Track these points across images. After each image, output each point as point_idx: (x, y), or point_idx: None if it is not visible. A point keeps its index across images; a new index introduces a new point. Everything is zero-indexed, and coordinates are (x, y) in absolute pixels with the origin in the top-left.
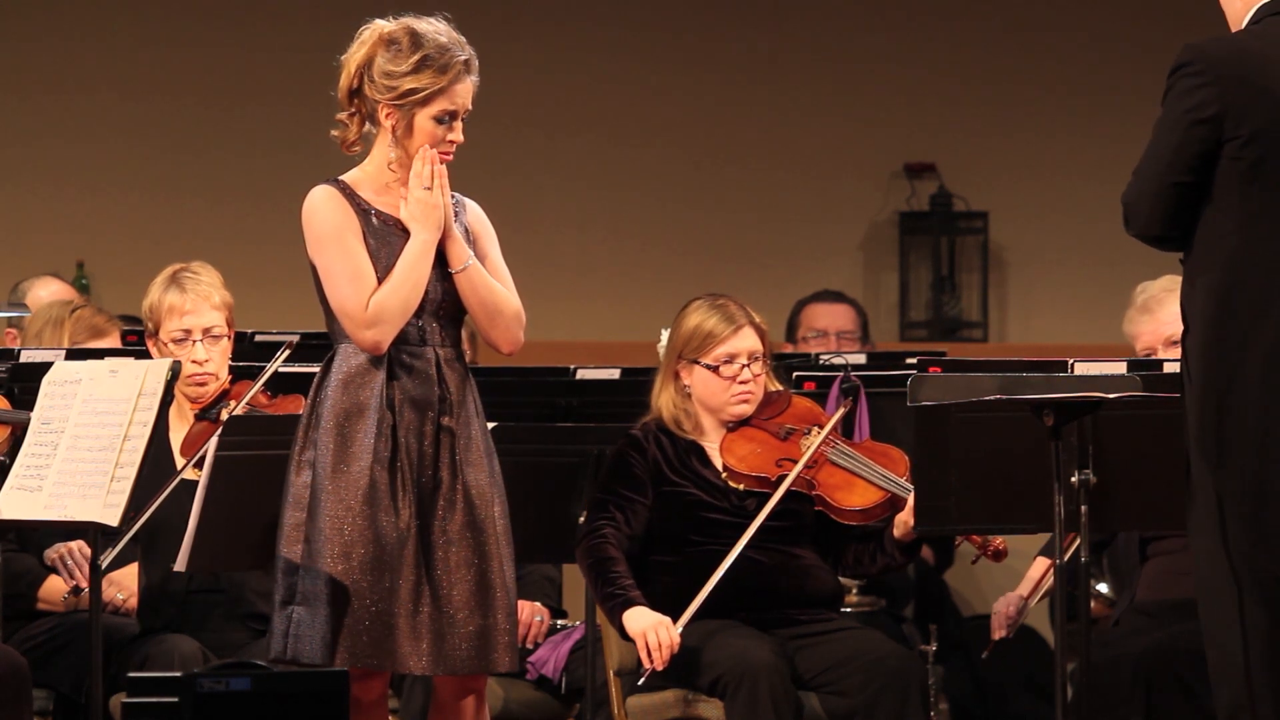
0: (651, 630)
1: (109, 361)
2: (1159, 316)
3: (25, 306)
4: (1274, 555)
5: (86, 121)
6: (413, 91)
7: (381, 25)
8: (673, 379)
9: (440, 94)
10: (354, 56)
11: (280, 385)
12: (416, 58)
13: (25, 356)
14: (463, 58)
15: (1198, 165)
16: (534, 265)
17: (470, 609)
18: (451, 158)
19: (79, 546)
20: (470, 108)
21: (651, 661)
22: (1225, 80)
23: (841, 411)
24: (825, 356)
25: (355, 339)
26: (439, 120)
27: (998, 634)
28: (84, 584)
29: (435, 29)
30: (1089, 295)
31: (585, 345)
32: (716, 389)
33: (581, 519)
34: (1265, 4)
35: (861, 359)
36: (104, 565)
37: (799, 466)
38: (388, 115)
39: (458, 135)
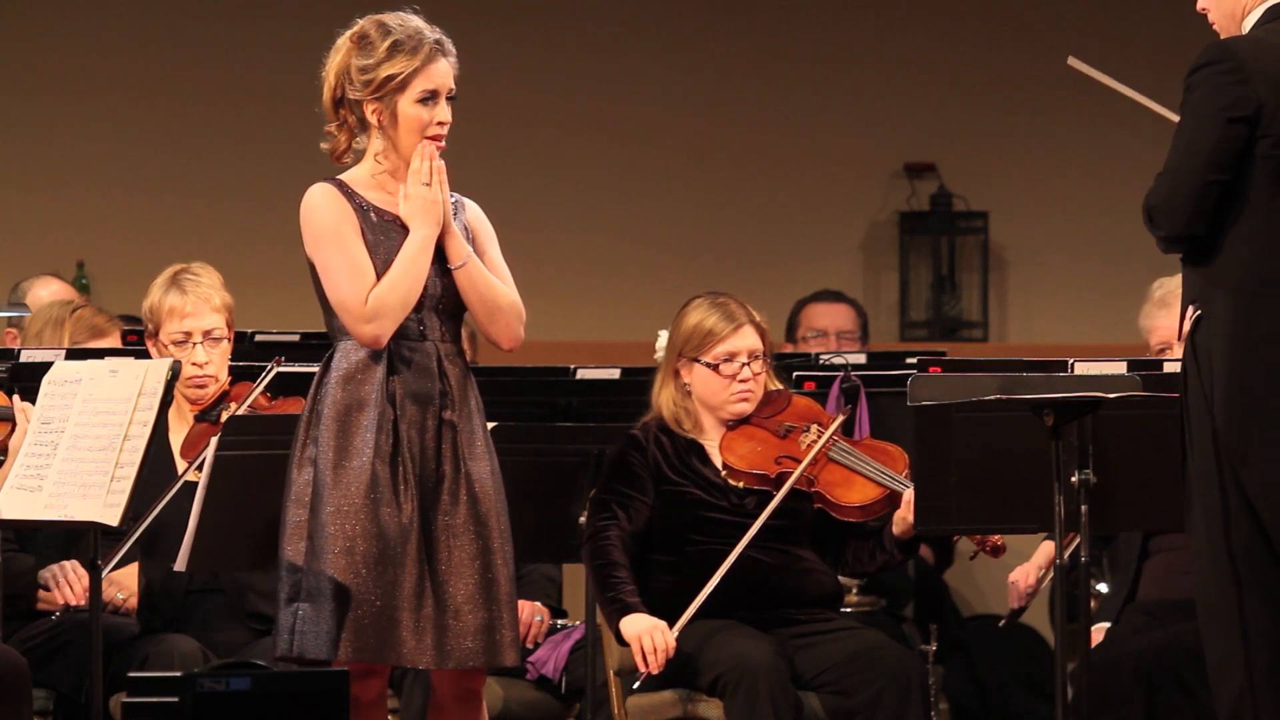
0: (647, 634)
1: (109, 361)
2: (1176, 312)
3: (25, 306)
4: None
5: (87, 121)
6: (390, 78)
7: (350, 31)
8: (673, 377)
9: (416, 74)
10: (331, 66)
11: (281, 386)
12: (387, 45)
13: (25, 356)
14: (433, 38)
15: (1234, 163)
16: (534, 265)
17: (474, 603)
18: (444, 142)
19: (73, 566)
20: (453, 89)
21: (647, 665)
22: (1258, 78)
23: (841, 419)
24: (825, 356)
25: (355, 334)
26: (422, 102)
27: (1016, 604)
28: (74, 601)
29: (402, 17)
30: (1089, 295)
31: (585, 345)
32: (716, 387)
33: (582, 519)
34: (1275, 5)
35: (861, 359)
36: (107, 569)
37: (803, 466)
38: (374, 111)
39: (445, 114)
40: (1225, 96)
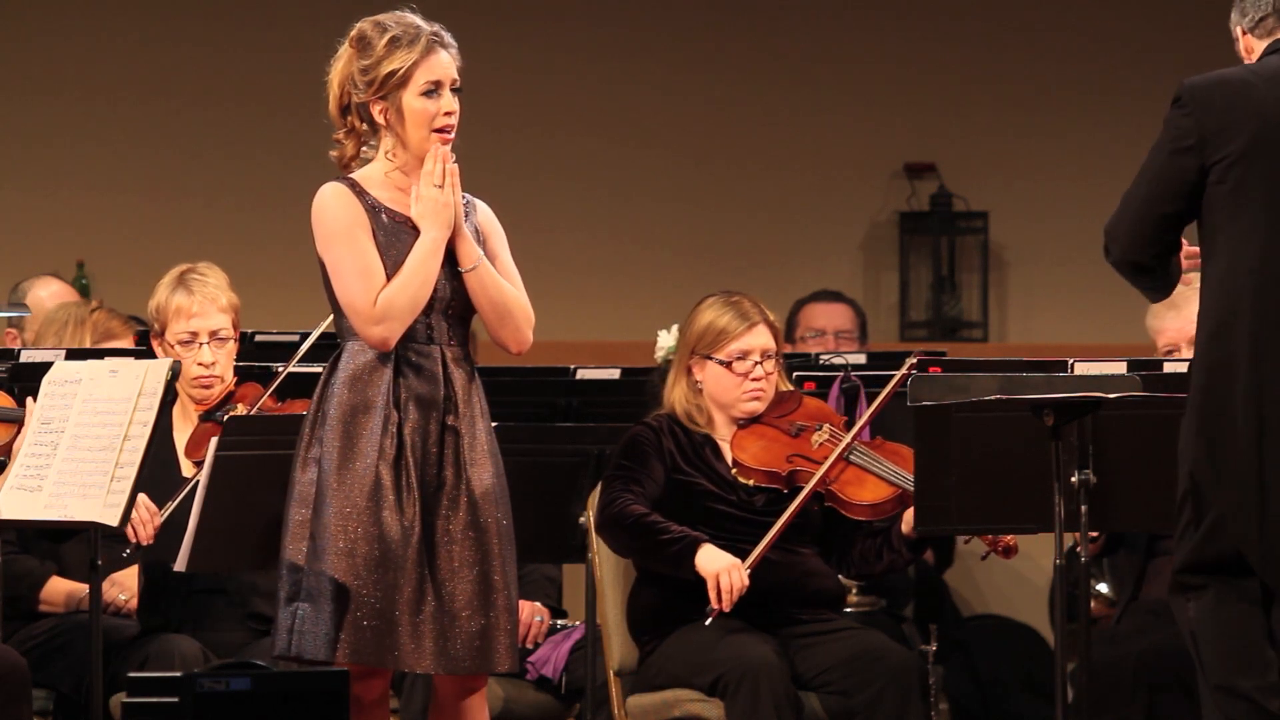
0: (725, 573)
1: (109, 361)
2: (1185, 313)
3: (25, 306)
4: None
5: (86, 121)
6: (391, 74)
7: (348, 37)
8: (685, 374)
9: (417, 67)
10: (335, 74)
11: (287, 388)
12: (385, 41)
13: (25, 356)
14: (430, 30)
15: (1183, 193)
16: (534, 265)
17: (472, 609)
18: (454, 134)
19: (145, 503)
20: (457, 79)
21: (720, 603)
22: (1204, 108)
23: (863, 422)
24: (825, 356)
25: (363, 335)
26: (426, 94)
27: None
28: (144, 541)
29: (398, 15)
30: (1089, 295)
31: (585, 345)
32: (729, 385)
33: (582, 519)
34: (1271, 43)
35: (861, 359)
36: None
37: (825, 467)
38: (380, 110)
39: (451, 105)
40: (1173, 130)
